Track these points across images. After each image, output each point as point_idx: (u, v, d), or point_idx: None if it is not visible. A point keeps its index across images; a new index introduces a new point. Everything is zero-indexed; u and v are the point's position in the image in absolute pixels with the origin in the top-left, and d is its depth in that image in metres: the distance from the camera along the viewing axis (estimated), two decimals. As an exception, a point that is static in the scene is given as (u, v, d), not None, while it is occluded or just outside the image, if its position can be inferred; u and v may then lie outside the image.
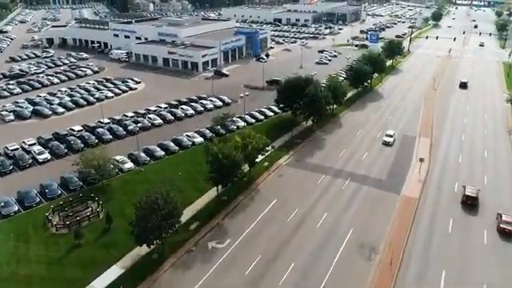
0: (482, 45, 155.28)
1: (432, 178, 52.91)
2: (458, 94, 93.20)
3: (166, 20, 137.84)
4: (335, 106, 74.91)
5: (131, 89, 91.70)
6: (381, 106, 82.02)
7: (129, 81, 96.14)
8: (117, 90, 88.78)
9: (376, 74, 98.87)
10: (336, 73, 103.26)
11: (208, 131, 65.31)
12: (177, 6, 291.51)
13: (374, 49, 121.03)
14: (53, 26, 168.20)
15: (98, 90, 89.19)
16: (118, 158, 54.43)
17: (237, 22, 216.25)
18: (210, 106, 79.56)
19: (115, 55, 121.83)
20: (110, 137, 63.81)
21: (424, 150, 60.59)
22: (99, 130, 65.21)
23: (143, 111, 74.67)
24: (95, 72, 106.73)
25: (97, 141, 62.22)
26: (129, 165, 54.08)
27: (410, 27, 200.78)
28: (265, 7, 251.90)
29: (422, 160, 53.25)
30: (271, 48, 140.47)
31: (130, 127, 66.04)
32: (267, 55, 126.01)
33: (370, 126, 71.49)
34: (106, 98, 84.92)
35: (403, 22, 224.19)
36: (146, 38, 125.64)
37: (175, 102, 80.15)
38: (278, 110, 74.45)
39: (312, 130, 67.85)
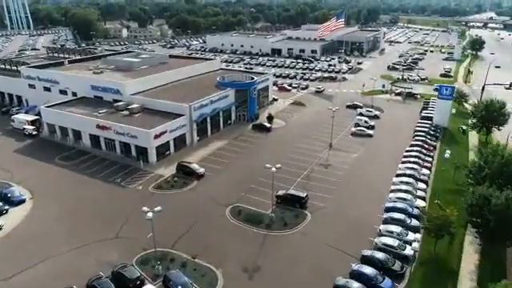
0: None
1: None
2: None
3: (112, 61, 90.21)
4: None
5: (-10, 228, 42.64)
6: None
7: (-3, 201, 47.23)
8: None
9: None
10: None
11: None
12: (155, 31, 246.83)
13: (444, 110, 74.51)
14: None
15: None
16: None
17: (225, 52, 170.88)
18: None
19: (17, 123, 73.17)
20: None
21: None
22: None
23: None
24: (-44, 167, 57.75)
25: None
26: None
27: (447, 59, 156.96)
28: (259, 34, 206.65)
29: None
30: (274, 101, 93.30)
31: None
32: (270, 118, 78.27)
33: None
34: None
35: (431, 52, 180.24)
36: (74, 93, 77.57)
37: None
38: None
39: None
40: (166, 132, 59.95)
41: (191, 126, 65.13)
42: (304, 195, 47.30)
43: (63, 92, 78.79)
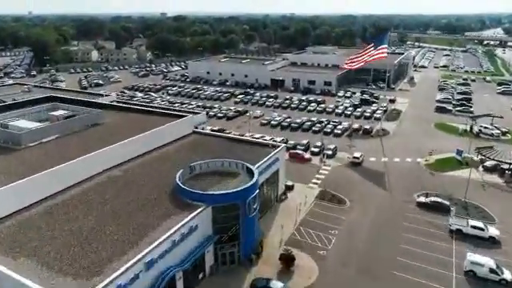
0: None
1: None
2: None
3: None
4: None
5: None
6: None
7: None
8: None
9: None
10: None
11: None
12: (130, 54, 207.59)
13: None
14: None
15: None
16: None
17: (211, 83, 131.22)
18: None
19: None
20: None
21: None
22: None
23: None
24: None
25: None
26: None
27: (504, 93, 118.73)
28: (255, 58, 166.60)
29: None
30: (288, 190, 52.77)
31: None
32: (288, 261, 37.26)
33: None
34: None
35: (473, 81, 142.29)
36: None
37: None
38: None
39: None
40: None
41: None
42: None
43: None
